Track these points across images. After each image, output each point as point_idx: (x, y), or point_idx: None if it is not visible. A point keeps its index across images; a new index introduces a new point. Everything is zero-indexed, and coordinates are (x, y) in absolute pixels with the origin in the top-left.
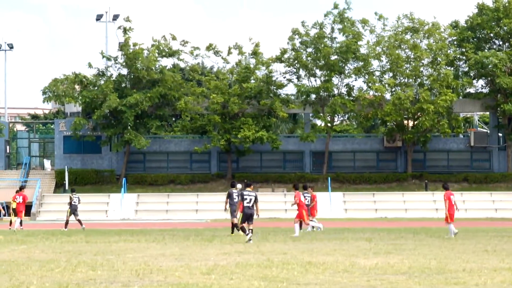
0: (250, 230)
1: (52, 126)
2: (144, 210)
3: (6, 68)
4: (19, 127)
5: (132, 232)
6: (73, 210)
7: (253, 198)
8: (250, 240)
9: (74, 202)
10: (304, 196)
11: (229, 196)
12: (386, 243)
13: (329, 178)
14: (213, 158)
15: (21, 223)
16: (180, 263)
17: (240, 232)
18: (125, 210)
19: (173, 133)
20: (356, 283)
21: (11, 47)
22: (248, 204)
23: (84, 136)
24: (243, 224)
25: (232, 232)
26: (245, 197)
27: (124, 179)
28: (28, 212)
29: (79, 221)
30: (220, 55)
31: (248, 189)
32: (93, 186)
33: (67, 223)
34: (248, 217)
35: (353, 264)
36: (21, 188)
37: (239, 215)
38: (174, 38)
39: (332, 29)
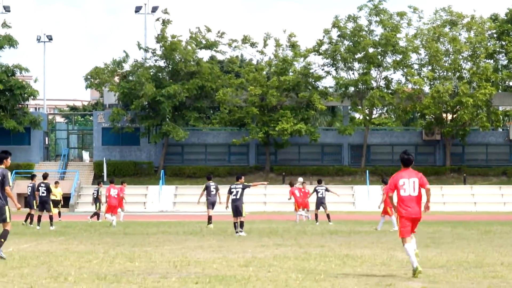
0: (240, 223)
1: (90, 118)
2: (182, 202)
3: (45, 59)
4: (58, 119)
5: (170, 224)
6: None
7: (240, 190)
8: (237, 233)
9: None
10: (317, 190)
11: (206, 188)
12: (424, 236)
13: (367, 171)
14: (251, 150)
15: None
16: (217, 255)
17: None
18: (163, 202)
19: (212, 125)
20: (394, 276)
21: (50, 39)
22: (234, 197)
23: (122, 128)
24: (235, 219)
25: (208, 224)
26: (232, 190)
27: (162, 171)
28: (66, 204)
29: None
30: (256, 47)
31: (237, 182)
32: (131, 178)
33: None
34: (236, 210)
35: (391, 257)
36: (99, 183)
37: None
38: (209, 30)
39: (369, 22)
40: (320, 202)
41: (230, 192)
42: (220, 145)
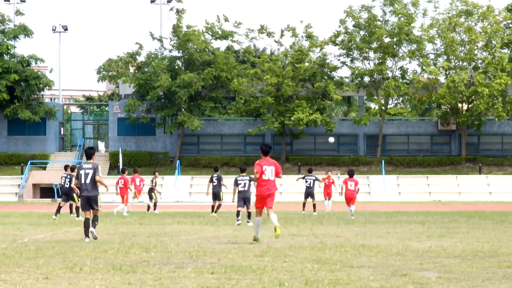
0: (248, 214)
1: (106, 108)
2: (198, 192)
3: (60, 50)
4: (74, 109)
5: (186, 214)
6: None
7: (247, 182)
8: (239, 221)
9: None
10: (305, 179)
11: (211, 180)
12: (439, 226)
13: (382, 161)
14: (267, 140)
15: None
16: (233, 245)
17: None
18: (179, 192)
19: (227, 115)
20: (409, 266)
21: (65, 29)
22: (243, 189)
23: (138, 118)
24: (240, 209)
25: (212, 212)
26: (239, 182)
27: (178, 161)
28: None
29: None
30: (273, 36)
31: (242, 173)
32: (147, 168)
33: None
34: (244, 201)
35: (406, 247)
36: (123, 171)
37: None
38: (226, 20)
39: (384, 12)
40: (308, 192)
41: (237, 184)
42: (236, 135)
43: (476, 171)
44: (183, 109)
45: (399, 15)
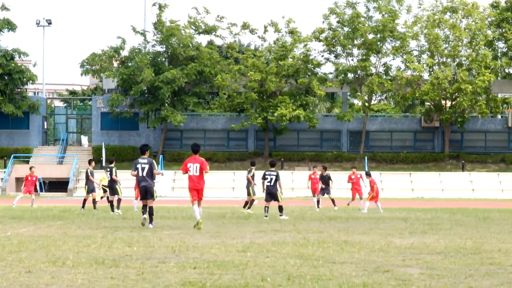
0: (279, 208)
1: (89, 103)
2: (181, 187)
3: (44, 44)
4: (57, 103)
5: (169, 209)
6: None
7: (274, 177)
8: (266, 217)
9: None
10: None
11: (263, 177)
12: (422, 223)
13: (366, 157)
14: (250, 136)
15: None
16: (216, 240)
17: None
18: (162, 187)
19: (211, 110)
20: (391, 262)
21: (49, 23)
22: (269, 184)
23: (121, 112)
24: (267, 203)
25: (244, 207)
26: (266, 176)
27: (161, 156)
28: (65, 188)
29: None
30: (256, 33)
31: (271, 168)
32: (130, 162)
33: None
34: (270, 195)
35: (389, 244)
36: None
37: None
38: (207, 12)
39: (368, 9)
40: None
41: (264, 178)
42: (219, 130)
43: (459, 168)
44: (166, 104)
45: (383, 12)
